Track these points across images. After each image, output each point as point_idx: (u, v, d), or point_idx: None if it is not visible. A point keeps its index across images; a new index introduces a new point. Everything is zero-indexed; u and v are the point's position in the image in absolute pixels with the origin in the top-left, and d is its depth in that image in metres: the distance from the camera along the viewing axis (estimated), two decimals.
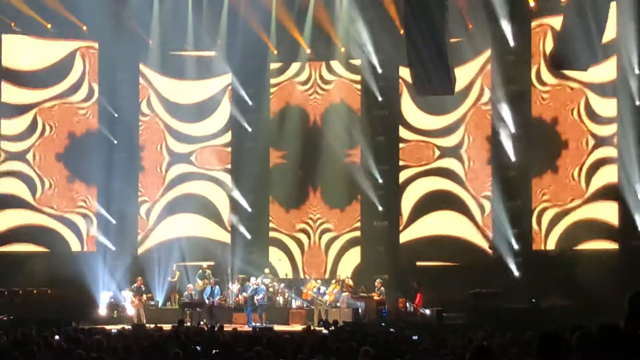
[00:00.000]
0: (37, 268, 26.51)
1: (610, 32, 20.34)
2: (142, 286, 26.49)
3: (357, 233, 28.55)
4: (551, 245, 25.27)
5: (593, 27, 13.60)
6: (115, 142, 29.01)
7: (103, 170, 28.27)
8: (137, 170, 29.43)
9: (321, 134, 28.86)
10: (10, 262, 27.26)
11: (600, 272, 21.58)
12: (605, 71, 23.17)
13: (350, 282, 26.35)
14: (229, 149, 29.42)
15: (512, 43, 25.93)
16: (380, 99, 28.15)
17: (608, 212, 23.99)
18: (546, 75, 25.57)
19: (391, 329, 18.53)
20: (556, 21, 22.46)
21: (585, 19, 13.57)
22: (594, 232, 24.08)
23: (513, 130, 26.11)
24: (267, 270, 27.44)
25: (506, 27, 25.59)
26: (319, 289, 25.88)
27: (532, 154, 25.96)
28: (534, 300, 22.87)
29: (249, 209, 28.98)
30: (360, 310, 24.72)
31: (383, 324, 22.18)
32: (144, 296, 26.41)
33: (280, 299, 26.92)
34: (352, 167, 28.42)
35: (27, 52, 28.43)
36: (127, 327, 21.21)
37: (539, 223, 25.57)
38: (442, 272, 26.32)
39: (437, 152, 27.79)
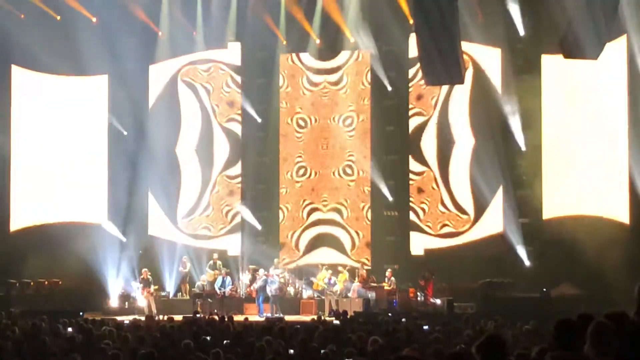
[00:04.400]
0: (49, 258, 26.62)
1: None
2: (149, 277, 26.42)
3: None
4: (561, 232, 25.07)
5: (602, 13, 13.49)
6: (125, 133, 29.25)
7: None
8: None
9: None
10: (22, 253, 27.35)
11: (611, 261, 21.48)
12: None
13: (364, 273, 26.26)
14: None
15: (522, 32, 25.84)
16: (389, 89, 28.08)
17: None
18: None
19: (402, 319, 18.55)
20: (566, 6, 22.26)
21: (594, 5, 13.46)
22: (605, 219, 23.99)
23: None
24: (276, 261, 27.46)
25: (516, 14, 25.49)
26: (329, 279, 25.87)
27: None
28: (544, 289, 22.84)
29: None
30: (370, 300, 24.74)
31: (390, 314, 22.20)
32: (152, 287, 26.30)
33: (291, 290, 26.94)
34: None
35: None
36: (138, 317, 21.25)
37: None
38: (453, 261, 26.25)
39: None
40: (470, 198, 27.00)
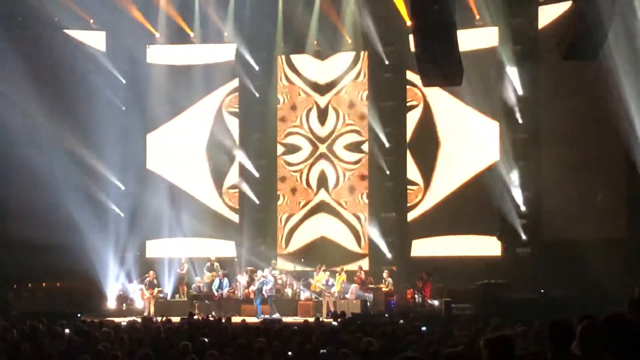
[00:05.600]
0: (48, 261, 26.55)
1: None
2: (155, 280, 26.52)
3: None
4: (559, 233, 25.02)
5: (602, 14, 13.47)
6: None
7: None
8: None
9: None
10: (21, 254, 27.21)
11: (609, 262, 21.46)
12: None
13: (362, 274, 26.19)
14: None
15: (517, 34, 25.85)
16: (386, 91, 28.14)
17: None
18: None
19: (400, 320, 18.53)
20: (564, 9, 22.22)
21: (594, 6, 13.44)
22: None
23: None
24: (274, 262, 27.48)
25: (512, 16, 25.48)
26: (327, 280, 25.87)
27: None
28: (542, 290, 22.84)
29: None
30: (368, 302, 24.72)
31: (388, 315, 22.19)
32: (155, 290, 26.42)
33: (288, 291, 26.94)
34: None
35: None
36: (137, 319, 21.22)
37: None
38: (450, 262, 26.25)
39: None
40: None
